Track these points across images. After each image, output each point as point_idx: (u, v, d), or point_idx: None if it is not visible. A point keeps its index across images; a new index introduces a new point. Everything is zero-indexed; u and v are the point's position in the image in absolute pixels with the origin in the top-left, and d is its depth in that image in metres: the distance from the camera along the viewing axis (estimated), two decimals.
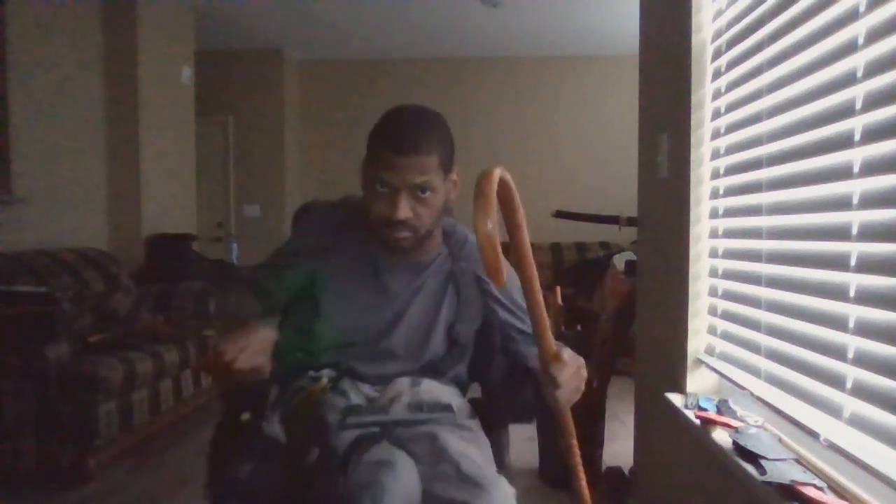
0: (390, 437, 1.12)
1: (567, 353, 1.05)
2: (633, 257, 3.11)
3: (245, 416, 1.21)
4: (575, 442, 1.09)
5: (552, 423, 1.11)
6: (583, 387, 1.08)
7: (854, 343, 1.04)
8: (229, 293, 1.35)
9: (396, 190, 1.17)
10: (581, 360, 1.09)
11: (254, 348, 1.11)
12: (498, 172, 0.84)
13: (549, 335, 1.01)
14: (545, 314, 0.98)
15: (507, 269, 0.99)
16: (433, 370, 1.30)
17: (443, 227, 1.35)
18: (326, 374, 1.25)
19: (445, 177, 1.22)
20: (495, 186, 0.83)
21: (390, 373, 1.27)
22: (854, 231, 1.04)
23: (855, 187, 1.04)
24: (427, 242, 1.29)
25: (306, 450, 1.11)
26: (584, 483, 1.10)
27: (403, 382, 1.25)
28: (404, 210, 1.17)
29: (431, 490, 1.07)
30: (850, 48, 1.05)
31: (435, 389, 1.25)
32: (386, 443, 1.10)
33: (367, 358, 1.27)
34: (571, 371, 1.04)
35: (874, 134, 0.99)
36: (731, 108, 1.54)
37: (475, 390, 1.42)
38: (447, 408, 1.22)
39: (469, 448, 1.15)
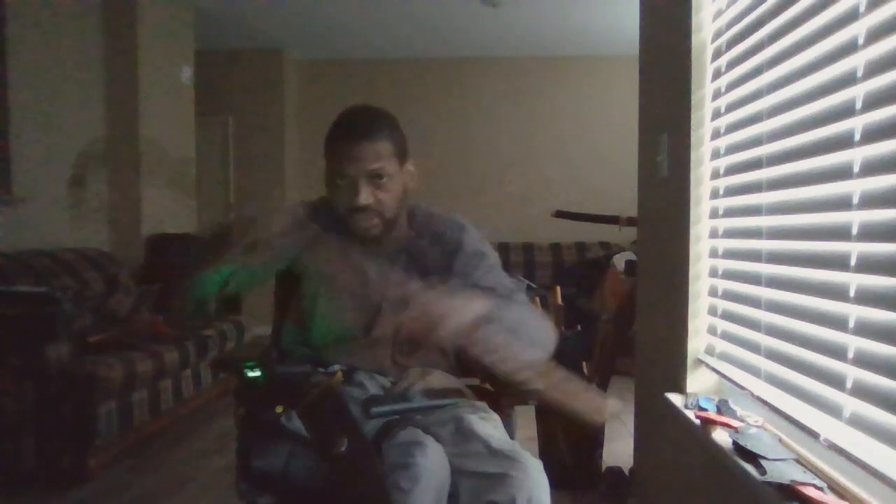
0: (412, 423, 1.18)
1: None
2: (633, 257, 3.12)
3: (279, 408, 1.23)
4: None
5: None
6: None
7: (854, 343, 1.04)
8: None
9: (355, 178, 1.25)
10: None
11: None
12: None
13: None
14: None
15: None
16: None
17: (407, 213, 1.41)
18: (338, 368, 1.30)
19: (401, 166, 1.30)
20: None
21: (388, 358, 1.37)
22: (854, 231, 1.04)
23: (855, 187, 1.04)
24: (395, 231, 1.36)
25: (334, 441, 1.14)
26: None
27: (415, 372, 1.34)
28: (365, 196, 1.25)
29: (464, 468, 1.12)
30: (850, 48, 1.05)
31: (442, 377, 1.35)
32: (411, 427, 1.16)
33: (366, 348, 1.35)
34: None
35: (874, 134, 0.99)
36: (731, 108, 1.53)
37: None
38: (458, 392, 1.32)
39: (491, 427, 1.22)
